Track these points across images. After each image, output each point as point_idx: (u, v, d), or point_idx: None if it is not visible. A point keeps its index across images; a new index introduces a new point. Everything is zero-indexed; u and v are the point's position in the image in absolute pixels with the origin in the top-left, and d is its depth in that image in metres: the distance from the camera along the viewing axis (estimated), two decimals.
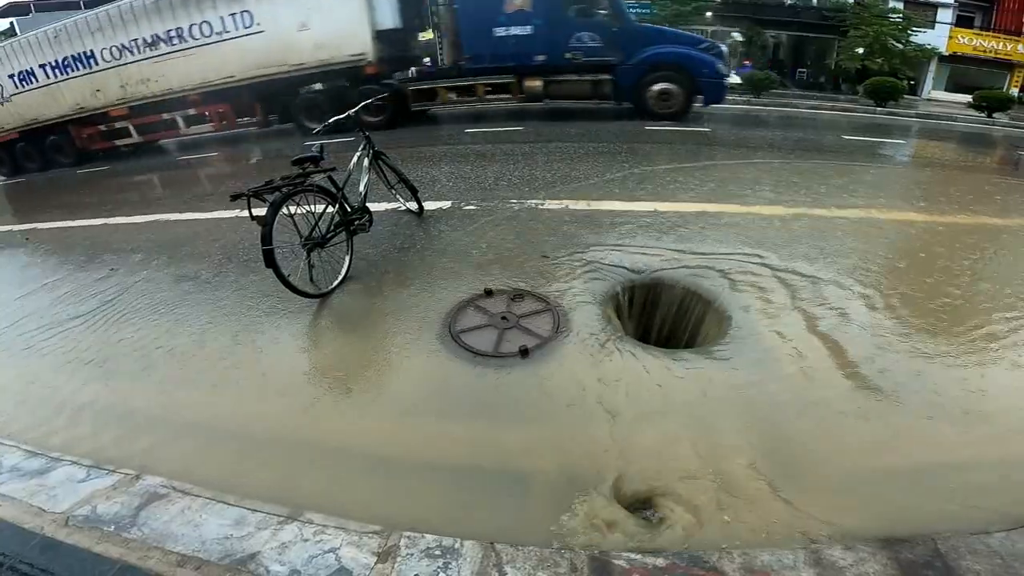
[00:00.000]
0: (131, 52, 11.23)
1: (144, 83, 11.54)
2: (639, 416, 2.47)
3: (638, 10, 22.67)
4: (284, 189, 3.27)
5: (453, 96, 10.92)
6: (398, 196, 5.04)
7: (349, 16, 9.97)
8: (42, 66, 11.87)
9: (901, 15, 20.74)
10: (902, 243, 4.72)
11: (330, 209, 3.65)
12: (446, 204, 5.35)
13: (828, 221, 4.93)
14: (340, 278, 3.75)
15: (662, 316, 3.63)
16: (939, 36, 21.78)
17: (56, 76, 11.91)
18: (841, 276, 3.78)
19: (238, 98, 11.50)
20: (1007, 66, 22.67)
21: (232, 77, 11.04)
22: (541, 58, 9.79)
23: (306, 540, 1.83)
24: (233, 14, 10.39)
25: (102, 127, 12.36)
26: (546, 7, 9.51)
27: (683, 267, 3.83)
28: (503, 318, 3.23)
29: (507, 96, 10.67)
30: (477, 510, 2.05)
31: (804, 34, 23.24)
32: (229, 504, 2.03)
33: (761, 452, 2.26)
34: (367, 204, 4.15)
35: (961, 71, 23.11)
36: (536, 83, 10.22)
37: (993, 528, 1.85)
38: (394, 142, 8.97)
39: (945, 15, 22.07)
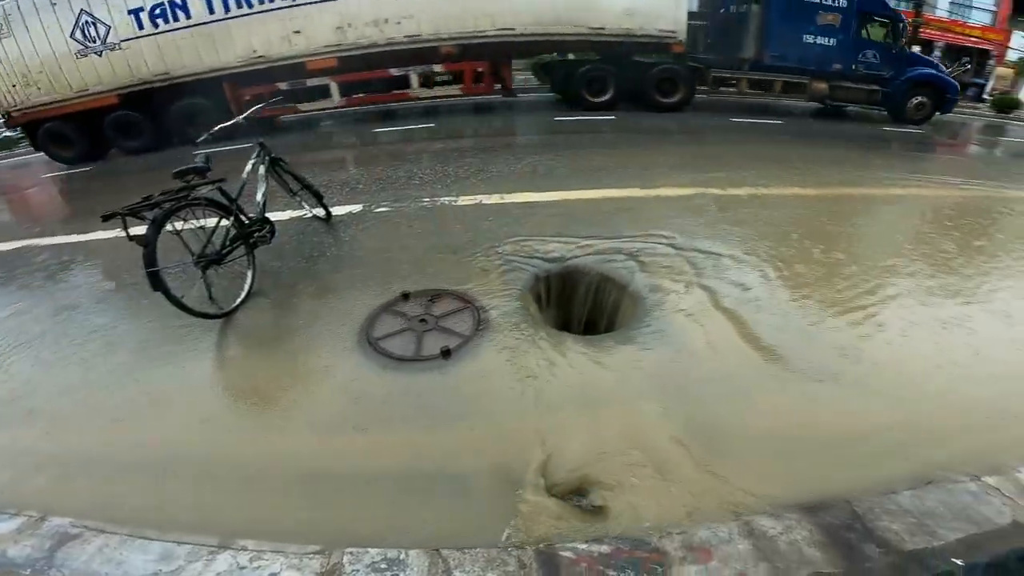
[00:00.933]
0: None
1: (378, 24, 8.39)
2: (565, 406, 2.53)
3: None
4: (166, 205, 3.04)
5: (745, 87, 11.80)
6: (303, 203, 4.83)
7: None
8: None
9: None
10: (793, 216, 5.16)
11: (224, 222, 3.45)
12: (356, 208, 5.22)
13: (726, 200, 5.29)
14: (244, 294, 3.55)
15: (581, 303, 3.75)
16: None
17: (224, 11, 8.35)
18: (740, 251, 4.06)
19: (503, 57, 9.08)
20: None
21: (511, 30, 8.54)
22: (837, 66, 11.27)
23: (243, 568, 1.75)
24: None
25: (283, 85, 8.95)
26: (850, 25, 10.87)
27: (596, 253, 3.97)
28: (422, 320, 3.19)
29: (800, 94, 11.87)
30: (417, 517, 2.02)
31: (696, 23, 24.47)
32: (151, 539, 1.91)
33: (683, 430, 2.38)
34: (267, 214, 3.94)
35: None
36: (822, 85, 11.49)
37: (900, 487, 2.06)
38: (295, 147, 8.64)
39: None
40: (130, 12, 8.43)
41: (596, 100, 10.03)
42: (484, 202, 5.23)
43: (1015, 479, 2.10)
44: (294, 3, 8.29)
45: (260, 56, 8.64)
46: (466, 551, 1.77)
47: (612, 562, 1.72)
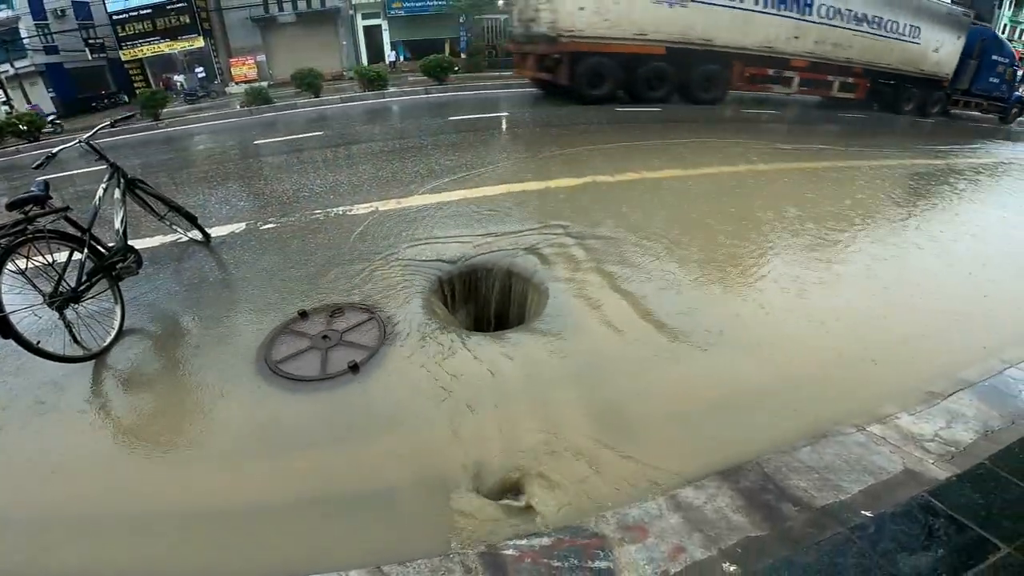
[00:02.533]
0: (840, 17, 12.78)
1: (834, 46, 13.03)
2: (481, 406, 2.50)
3: (435, 2, 22.89)
4: (1, 242, 2.63)
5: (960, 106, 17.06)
6: (175, 227, 4.39)
7: (955, 49, 15.25)
8: None
9: None
10: (675, 196, 5.49)
11: (78, 255, 3.03)
12: (239, 226, 4.80)
13: (614, 186, 5.51)
14: (114, 332, 3.18)
15: (489, 300, 3.73)
16: None
17: (765, 7, 11.80)
18: (630, 233, 4.25)
19: (872, 81, 14.36)
20: None
21: (888, 65, 14.12)
22: (996, 92, 16.57)
23: None
24: (910, 25, 13.91)
25: (770, 71, 12.69)
26: (1005, 70, 16.32)
27: (497, 249, 3.96)
28: (324, 337, 3.04)
29: (979, 109, 17.17)
30: (350, 539, 1.92)
31: None
32: None
33: (596, 414, 2.44)
34: (130, 242, 3.53)
35: None
36: (986, 103, 16.96)
37: (800, 444, 2.21)
38: (164, 164, 7.83)
39: None
40: None
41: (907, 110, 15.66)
42: (380, 208, 5.03)
43: (896, 426, 2.32)
44: (802, 18, 12.41)
45: (769, 46, 12.29)
46: (408, 564, 1.69)
47: (555, 553, 1.71)
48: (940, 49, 14.90)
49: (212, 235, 4.53)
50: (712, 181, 6.08)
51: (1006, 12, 33.70)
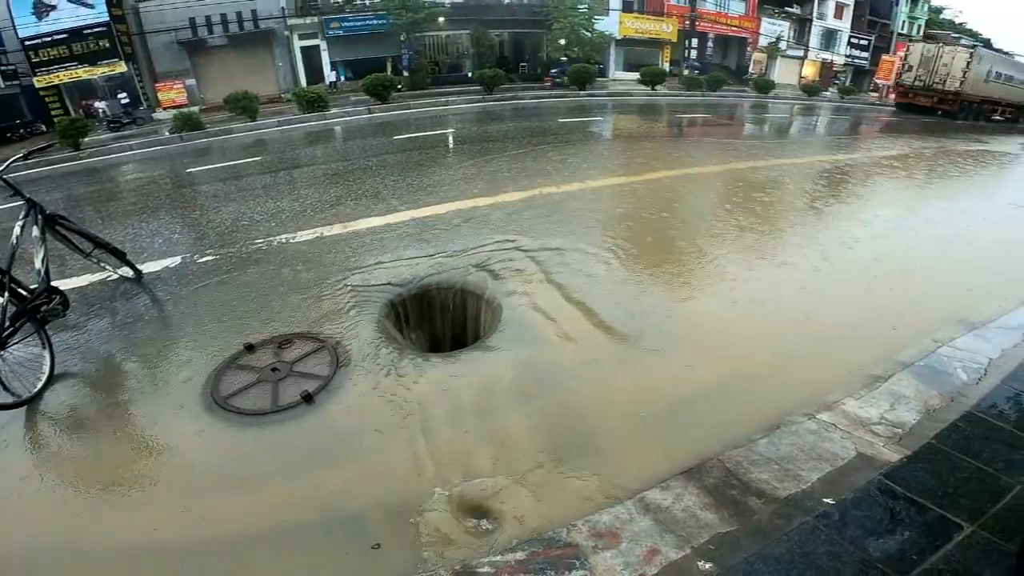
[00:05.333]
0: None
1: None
2: (441, 427, 2.46)
3: (374, 21, 22.74)
4: None
5: None
6: (103, 264, 4.10)
7: None
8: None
9: (586, 6, 24.57)
10: (618, 203, 5.63)
11: None
12: (174, 261, 4.55)
13: (560, 197, 5.58)
14: (44, 377, 2.97)
15: (443, 320, 3.68)
16: (613, 22, 26.39)
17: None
18: (578, 242, 4.30)
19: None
20: (659, 44, 28.65)
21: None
22: None
23: None
24: None
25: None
26: None
27: (449, 268, 3.92)
28: (274, 369, 2.93)
29: None
30: (322, 569, 1.86)
31: (521, 31, 26.01)
32: None
33: (557, 427, 2.43)
34: (54, 283, 3.31)
35: (631, 52, 28.44)
36: None
37: (757, 436, 2.26)
38: (84, 197, 7.35)
39: (614, 2, 26.76)
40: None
41: None
42: (326, 234, 4.89)
43: (843, 411, 2.42)
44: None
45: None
46: None
47: (530, 566, 1.69)
48: None
49: (144, 271, 4.28)
50: (656, 185, 6.27)
51: (904, 9, 36.81)
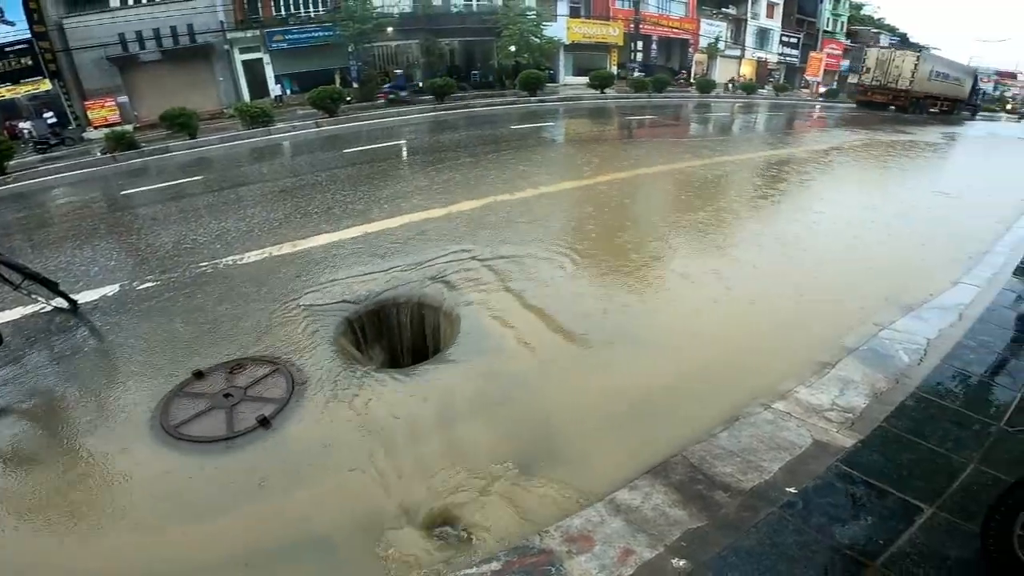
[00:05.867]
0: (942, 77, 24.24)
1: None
2: (403, 444, 2.41)
3: (320, 33, 22.21)
4: None
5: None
6: (35, 296, 3.85)
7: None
8: None
9: (535, 12, 24.79)
10: (572, 207, 5.69)
11: None
12: (112, 288, 4.29)
13: (514, 204, 5.59)
14: None
15: (402, 334, 3.61)
16: (561, 28, 26.74)
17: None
18: (534, 248, 4.32)
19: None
20: (606, 48, 29.25)
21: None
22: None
23: None
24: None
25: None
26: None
27: (405, 282, 3.86)
28: (226, 395, 2.83)
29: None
30: None
31: (471, 39, 25.94)
32: None
33: (520, 435, 2.42)
34: None
35: (580, 56, 28.91)
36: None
37: (717, 429, 2.29)
38: (9, 225, 6.88)
39: (562, 8, 27.14)
40: None
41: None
42: (275, 254, 4.72)
43: (796, 400, 2.50)
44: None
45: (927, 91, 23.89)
46: None
47: (507, 575, 1.67)
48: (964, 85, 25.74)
49: (80, 301, 4.03)
50: (608, 187, 6.37)
51: (827, 6, 38.93)
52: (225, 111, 18.30)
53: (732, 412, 2.45)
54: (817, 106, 21.49)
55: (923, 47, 26.25)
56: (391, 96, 18.94)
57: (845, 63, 38.61)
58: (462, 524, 1.99)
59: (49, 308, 3.97)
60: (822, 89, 32.54)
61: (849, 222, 5.48)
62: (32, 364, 3.33)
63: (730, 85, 29.90)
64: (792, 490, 1.94)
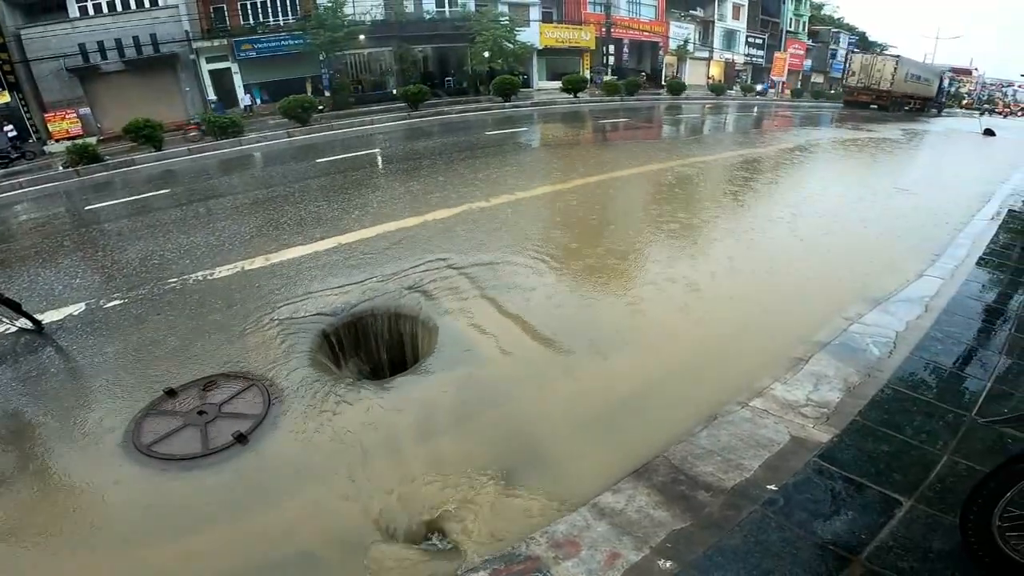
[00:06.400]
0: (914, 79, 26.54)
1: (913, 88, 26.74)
2: (382, 456, 2.39)
3: (290, 41, 21.88)
4: None
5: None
6: None
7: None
8: None
9: (508, 18, 24.86)
10: (547, 212, 5.71)
11: None
12: (78, 308, 4.15)
13: (489, 211, 5.59)
14: None
15: (379, 346, 3.57)
16: (534, 33, 26.84)
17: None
18: (510, 255, 4.32)
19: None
20: (579, 52, 29.51)
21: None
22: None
23: None
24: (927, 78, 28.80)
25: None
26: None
27: (381, 293, 3.82)
28: (200, 412, 2.78)
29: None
30: None
31: (444, 45, 25.87)
32: None
33: (501, 443, 2.41)
34: None
35: (553, 61, 29.12)
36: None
37: (696, 429, 2.30)
38: None
39: (535, 13, 27.29)
40: None
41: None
42: (247, 268, 4.63)
43: (772, 396, 2.53)
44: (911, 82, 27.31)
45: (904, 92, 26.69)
46: None
47: None
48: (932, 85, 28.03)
49: (44, 321, 3.90)
50: (583, 191, 6.41)
51: (790, 7, 40.06)
52: (191, 122, 17.86)
53: (710, 411, 2.48)
54: (783, 105, 22.13)
55: (884, 47, 28.99)
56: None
57: (808, 63, 39.69)
58: (447, 534, 1.97)
59: (13, 329, 3.86)
60: (786, 92, 33.36)
61: (818, 219, 5.62)
62: None
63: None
64: (773, 487, 1.96)
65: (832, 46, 43.40)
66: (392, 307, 3.64)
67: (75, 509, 2.27)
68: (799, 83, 37.08)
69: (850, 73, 25.88)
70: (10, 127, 17.96)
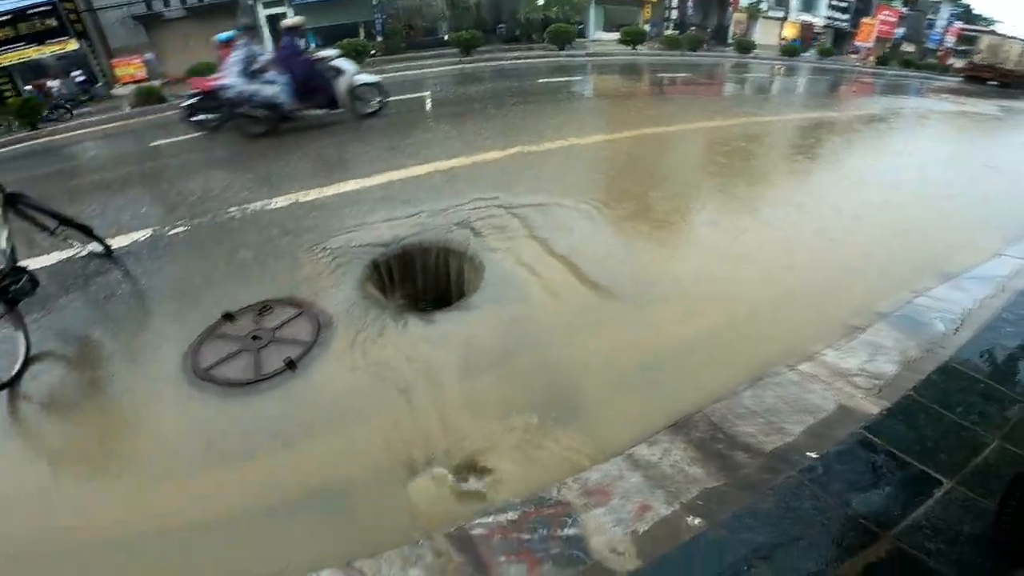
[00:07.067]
0: None
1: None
2: (426, 389, 2.43)
3: None
4: None
5: None
6: (70, 240, 3.98)
7: None
8: None
9: None
10: (601, 160, 5.55)
11: None
12: (144, 233, 4.39)
13: (541, 155, 5.48)
14: (21, 360, 2.89)
15: (426, 279, 3.63)
16: None
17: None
18: (561, 198, 4.24)
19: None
20: (640, 2, 27.95)
21: None
22: None
23: None
24: None
25: None
26: None
27: (430, 228, 3.85)
28: (255, 338, 2.89)
29: None
30: (316, 538, 1.85)
31: None
32: None
33: (543, 384, 2.42)
34: (19, 263, 3.20)
35: (611, 11, 27.73)
36: None
37: (741, 388, 2.26)
38: (47, 175, 7.04)
39: None
40: None
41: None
42: (302, 200, 4.75)
43: (823, 362, 2.43)
44: None
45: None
46: (380, 556, 1.64)
47: (523, 526, 1.69)
48: None
49: (113, 246, 4.14)
50: (639, 142, 6.19)
51: None
52: None
53: (757, 372, 2.41)
54: (866, 73, 20.40)
55: (990, 21, 28.67)
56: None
57: (900, 31, 36.08)
58: (482, 473, 2.01)
59: (84, 253, 4.10)
60: (871, 58, 30.50)
61: (892, 186, 5.24)
62: (69, 308, 3.45)
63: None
64: (813, 455, 1.91)
65: (930, 16, 39.32)
66: (440, 242, 3.67)
67: (134, 433, 2.43)
68: (886, 51, 33.81)
69: (977, 52, 27.77)
70: (78, 72, 18.77)
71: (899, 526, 1.64)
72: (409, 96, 9.80)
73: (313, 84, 7.48)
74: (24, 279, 3.16)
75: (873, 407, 2.14)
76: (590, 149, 5.80)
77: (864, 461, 1.89)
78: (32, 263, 3.52)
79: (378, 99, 8.09)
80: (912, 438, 1.99)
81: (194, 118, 7.97)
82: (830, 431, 2.03)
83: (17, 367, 2.85)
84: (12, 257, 3.16)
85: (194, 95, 7.83)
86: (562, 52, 18.22)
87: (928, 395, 2.21)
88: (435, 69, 14.67)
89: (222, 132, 7.95)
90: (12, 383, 2.78)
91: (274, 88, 7.26)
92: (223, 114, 7.61)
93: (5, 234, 3.19)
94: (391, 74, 14.10)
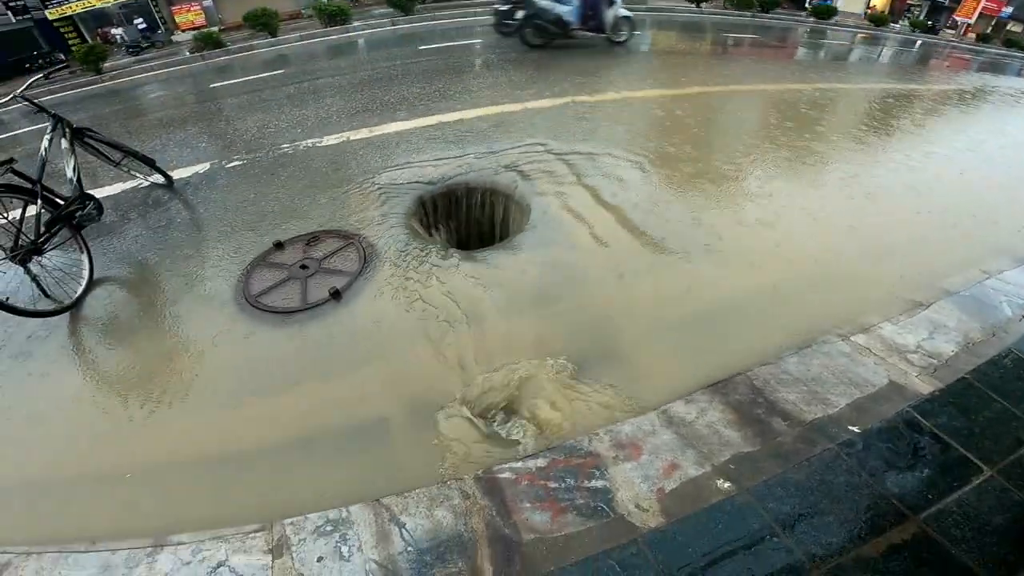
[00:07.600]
0: None
1: None
2: (466, 326, 2.46)
3: None
4: None
5: None
6: (133, 172, 4.18)
7: None
8: None
9: None
10: (656, 115, 5.34)
11: (32, 208, 2.89)
12: (203, 167, 4.55)
13: (593, 105, 5.32)
14: (85, 282, 3.08)
15: (470, 218, 3.65)
16: None
17: None
18: (612, 148, 4.14)
19: None
20: None
21: None
22: None
23: (188, 563, 1.56)
24: None
25: None
26: None
27: (477, 168, 3.84)
28: (303, 267, 2.98)
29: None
30: (349, 472, 1.89)
31: None
32: (83, 551, 1.64)
33: (583, 331, 2.40)
34: (87, 190, 3.38)
35: None
36: None
37: (786, 354, 2.19)
38: (117, 113, 7.30)
39: None
40: None
41: None
42: (352, 138, 4.80)
43: (879, 336, 2.32)
44: None
45: None
46: (407, 495, 1.68)
47: (550, 473, 1.70)
48: None
49: (174, 177, 4.31)
50: (696, 100, 5.90)
51: None
52: (303, 12, 18.15)
53: (806, 338, 2.32)
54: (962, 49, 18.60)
55: None
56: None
57: (1007, 9, 32.38)
58: (515, 416, 2.03)
59: (146, 184, 4.32)
60: (970, 35, 27.53)
61: (972, 166, 4.84)
62: (130, 235, 3.63)
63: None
64: (855, 428, 1.85)
65: None
66: (487, 182, 3.66)
67: (187, 357, 2.52)
68: (989, 29, 30.44)
69: None
70: (140, 19, 19.16)
71: (929, 510, 1.60)
72: (460, 43, 9.63)
73: (596, 9, 8.68)
74: (90, 205, 3.34)
75: (926, 387, 2.05)
76: (645, 102, 5.58)
77: (907, 441, 1.82)
78: (96, 193, 3.70)
79: (629, 31, 9.12)
80: (960, 423, 1.90)
81: (505, 22, 9.19)
82: (876, 406, 1.95)
83: (80, 290, 3.04)
84: (79, 185, 3.32)
85: (506, 2, 9.05)
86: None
87: (984, 380, 2.10)
88: (487, 16, 14.14)
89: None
90: (75, 304, 2.96)
91: (567, 7, 8.58)
92: (520, 22, 8.61)
93: (72, 163, 3.34)
94: (442, 20, 13.82)
